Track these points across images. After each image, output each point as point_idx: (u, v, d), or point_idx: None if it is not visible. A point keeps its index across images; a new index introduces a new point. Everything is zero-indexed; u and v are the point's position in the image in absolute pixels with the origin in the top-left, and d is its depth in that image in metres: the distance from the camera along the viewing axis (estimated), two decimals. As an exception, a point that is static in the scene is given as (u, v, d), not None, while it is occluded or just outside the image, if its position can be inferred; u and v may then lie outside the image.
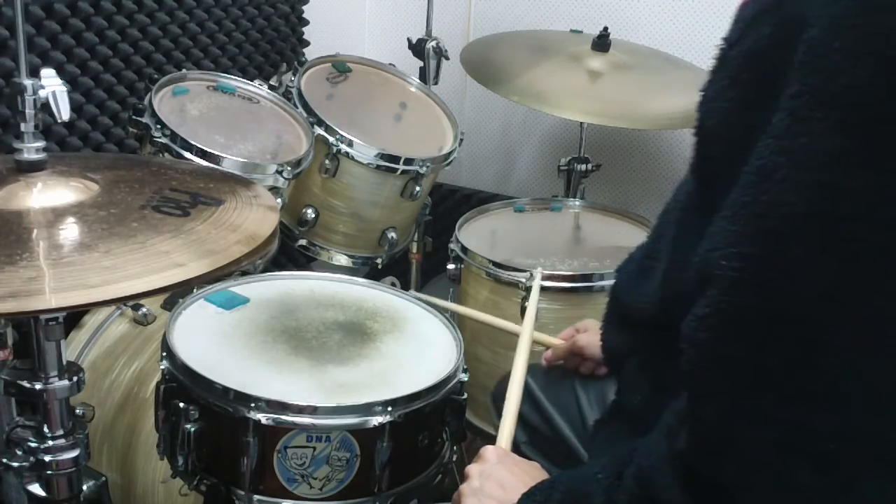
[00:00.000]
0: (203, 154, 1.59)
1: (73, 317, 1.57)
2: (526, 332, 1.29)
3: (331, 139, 1.83)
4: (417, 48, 2.22)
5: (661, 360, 0.86)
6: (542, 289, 1.68)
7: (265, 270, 1.63)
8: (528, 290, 1.67)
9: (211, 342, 1.25)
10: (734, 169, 0.67)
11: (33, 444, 1.08)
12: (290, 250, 2.14)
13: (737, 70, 0.69)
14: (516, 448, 1.15)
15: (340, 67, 2.09)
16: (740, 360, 0.64)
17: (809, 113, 0.60)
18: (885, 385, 0.61)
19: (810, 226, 0.60)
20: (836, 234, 0.59)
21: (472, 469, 0.94)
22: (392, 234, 2.00)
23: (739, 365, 0.64)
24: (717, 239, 0.65)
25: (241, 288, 1.41)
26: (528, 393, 1.33)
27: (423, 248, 2.30)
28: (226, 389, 1.12)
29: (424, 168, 1.89)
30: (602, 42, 2.08)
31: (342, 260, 2.00)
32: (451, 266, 1.86)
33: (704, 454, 0.67)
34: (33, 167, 1.04)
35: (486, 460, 0.94)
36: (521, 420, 1.32)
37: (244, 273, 1.49)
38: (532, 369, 1.40)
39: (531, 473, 0.91)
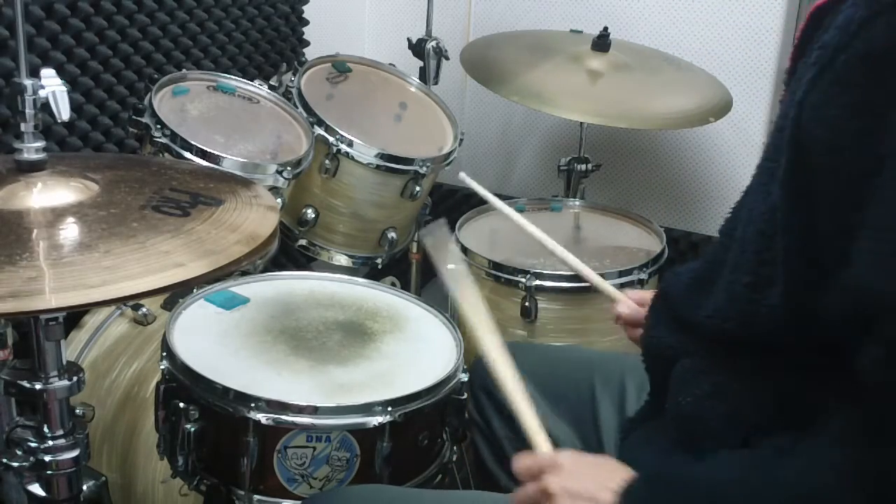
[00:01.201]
0: (203, 154, 1.59)
1: (73, 317, 1.57)
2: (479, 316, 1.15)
3: (331, 139, 1.83)
4: (417, 48, 2.22)
5: (721, 365, 0.84)
6: (543, 289, 1.68)
7: (265, 270, 1.63)
8: (529, 289, 1.67)
9: (211, 342, 1.25)
10: (844, 179, 0.66)
11: (33, 444, 1.08)
12: (290, 250, 2.14)
13: (848, 75, 0.67)
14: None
15: (340, 67, 2.09)
16: None
17: None
18: None
19: None
20: None
21: (553, 483, 0.84)
22: (392, 234, 2.00)
23: None
24: (878, 263, 0.63)
25: (241, 288, 1.41)
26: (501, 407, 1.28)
27: (424, 248, 2.30)
28: (226, 389, 1.12)
29: (424, 168, 1.89)
30: (602, 42, 2.08)
31: (342, 260, 2.00)
32: (451, 266, 1.85)
33: None
34: (33, 167, 1.04)
35: (561, 468, 0.85)
36: (499, 409, 1.28)
37: (244, 273, 1.49)
38: (515, 351, 1.36)
39: (615, 472, 0.85)
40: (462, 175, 1.56)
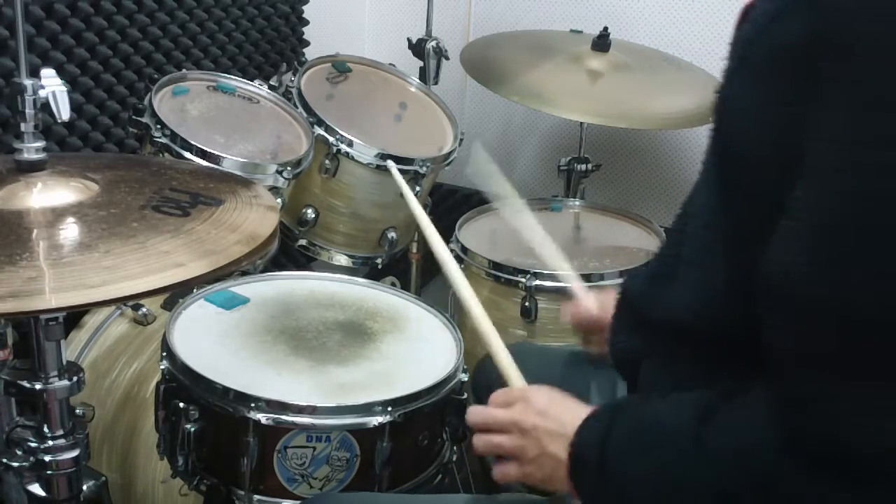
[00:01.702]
0: (203, 154, 1.59)
1: (73, 317, 1.57)
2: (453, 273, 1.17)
3: (331, 139, 1.83)
4: (417, 48, 2.22)
5: (682, 361, 0.85)
6: (543, 289, 1.68)
7: (265, 270, 1.63)
8: (529, 289, 1.67)
9: (211, 342, 1.25)
10: (765, 165, 0.67)
11: (33, 444, 1.08)
12: (290, 250, 2.14)
13: (763, 67, 0.69)
14: None
15: (340, 67, 2.09)
16: (852, 357, 0.63)
17: (859, 101, 0.60)
18: None
19: (891, 213, 0.60)
20: None
21: (528, 419, 0.87)
22: (392, 234, 2.00)
23: (849, 362, 0.64)
24: (789, 241, 0.65)
25: (241, 288, 1.41)
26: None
27: (423, 248, 2.30)
28: (226, 389, 1.12)
29: (424, 168, 1.89)
30: (602, 42, 2.08)
31: (342, 260, 2.00)
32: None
33: (827, 465, 0.66)
34: (33, 167, 1.04)
35: (538, 410, 0.88)
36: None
37: (244, 273, 1.49)
38: (516, 352, 1.37)
39: (584, 406, 0.88)
40: (477, 145, 1.54)
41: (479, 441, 0.92)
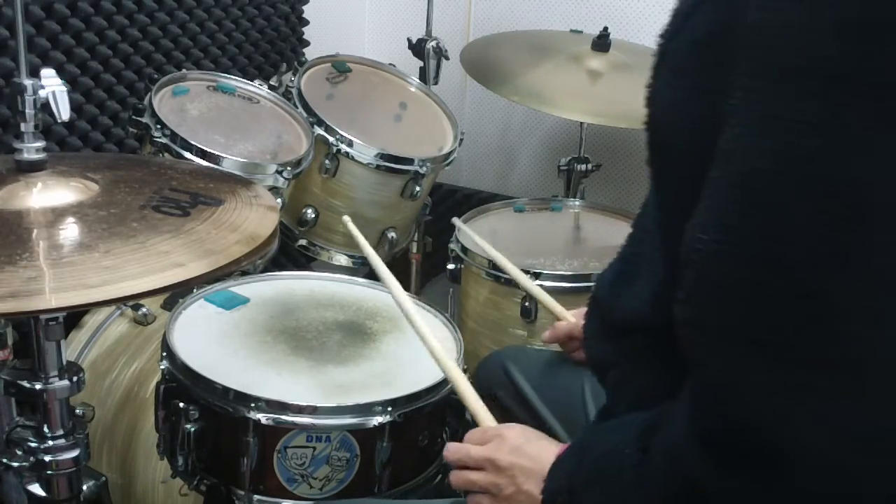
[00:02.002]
0: (203, 154, 1.59)
1: (73, 317, 1.57)
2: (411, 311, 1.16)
3: (331, 139, 1.83)
4: (417, 48, 2.22)
5: (644, 370, 0.86)
6: (542, 289, 1.68)
7: (265, 270, 1.63)
8: (528, 289, 1.67)
9: (211, 342, 1.25)
10: (689, 156, 0.69)
11: (33, 444, 1.08)
12: (290, 250, 2.14)
13: (681, 60, 0.72)
14: None
15: (340, 67, 2.09)
16: (739, 328, 0.64)
17: (759, 84, 0.62)
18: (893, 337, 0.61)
19: (784, 188, 0.61)
20: (814, 193, 0.60)
21: (503, 458, 0.88)
22: (392, 234, 2.00)
23: (739, 333, 0.64)
24: (696, 220, 0.66)
25: (241, 288, 1.41)
26: (510, 382, 1.32)
27: (423, 248, 2.30)
28: (226, 389, 1.12)
29: (424, 168, 1.89)
30: (602, 42, 2.08)
31: (342, 260, 2.00)
32: (451, 266, 1.86)
33: (721, 426, 0.67)
34: (33, 167, 1.04)
35: (513, 447, 0.89)
36: (502, 409, 1.30)
37: (244, 273, 1.49)
38: (516, 356, 1.38)
39: (556, 445, 0.89)
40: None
41: (455, 477, 0.94)
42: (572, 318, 1.38)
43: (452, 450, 0.94)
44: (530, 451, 0.88)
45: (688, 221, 0.68)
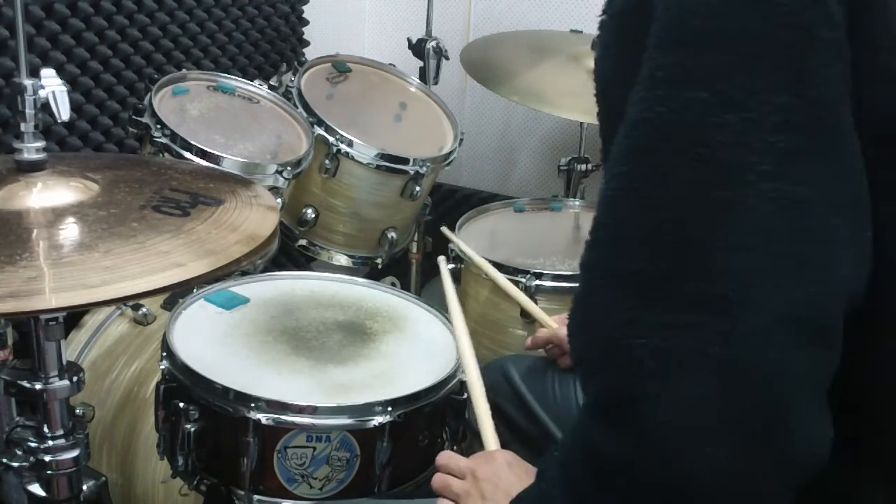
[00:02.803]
0: (203, 154, 1.59)
1: (73, 317, 1.57)
2: (459, 327, 1.22)
3: (331, 139, 1.83)
4: (417, 48, 2.22)
5: None
6: (543, 289, 1.68)
7: (265, 270, 1.63)
8: (528, 290, 1.67)
9: (211, 342, 1.25)
10: (613, 121, 0.72)
11: (33, 444, 1.08)
12: (290, 250, 2.14)
13: (609, 33, 0.76)
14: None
15: (340, 67, 2.09)
16: (624, 271, 0.67)
17: (653, 41, 0.66)
18: (769, 285, 0.62)
19: (664, 135, 0.65)
20: (690, 139, 0.64)
21: (483, 471, 0.93)
22: (392, 234, 2.00)
23: (624, 277, 0.67)
24: (604, 171, 0.71)
25: (241, 288, 1.41)
26: (511, 390, 1.32)
27: (423, 248, 2.30)
28: (226, 389, 1.12)
29: (424, 168, 1.89)
30: (602, 42, 2.08)
31: (342, 260, 2.00)
32: (451, 266, 1.86)
33: (601, 371, 0.68)
34: (33, 167, 1.04)
35: (496, 463, 0.94)
36: (504, 417, 1.31)
37: (244, 273, 1.49)
38: (516, 363, 1.39)
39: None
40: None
41: (436, 478, 0.98)
42: (554, 324, 1.40)
43: (445, 456, 0.99)
44: (508, 476, 0.91)
45: None
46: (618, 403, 0.67)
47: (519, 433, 1.30)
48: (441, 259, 1.35)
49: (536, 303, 1.69)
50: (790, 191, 0.62)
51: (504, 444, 1.30)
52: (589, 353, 0.70)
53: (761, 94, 0.62)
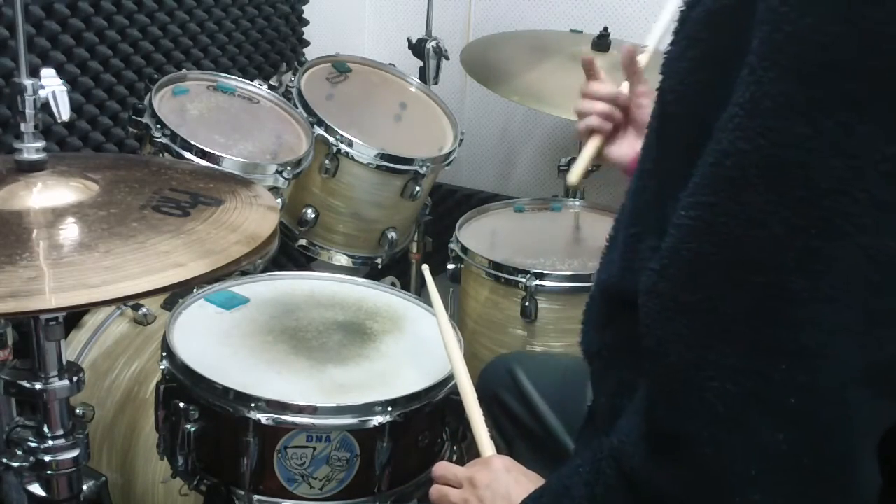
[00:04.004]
0: (203, 154, 1.59)
1: (73, 317, 1.57)
2: (448, 336, 1.18)
3: (331, 139, 1.83)
4: (417, 48, 2.22)
5: (624, 364, 0.86)
6: (543, 289, 1.68)
7: (265, 270, 1.63)
8: (529, 289, 1.67)
9: (211, 342, 1.25)
10: (690, 127, 0.68)
11: (33, 444, 1.08)
12: (290, 250, 2.14)
13: (696, 30, 0.70)
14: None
15: (340, 67, 2.09)
16: (701, 308, 0.64)
17: (759, 63, 0.61)
18: (851, 340, 0.60)
19: (761, 172, 0.61)
20: (789, 180, 0.60)
21: (480, 478, 0.91)
22: (392, 234, 2.00)
23: (698, 313, 0.64)
24: (685, 193, 0.66)
25: (241, 288, 1.41)
26: (516, 386, 1.32)
27: (423, 248, 2.30)
28: (226, 389, 1.12)
29: (424, 168, 1.89)
30: (602, 42, 2.08)
31: (342, 260, 2.00)
32: (451, 266, 1.86)
33: (666, 406, 0.66)
34: (33, 167, 1.04)
35: (493, 469, 0.92)
36: (509, 414, 1.30)
37: (244, 273, 1.49)
38: (521, 360, 1.38)
39: (537, 484, 0.90)
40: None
41: (433, 490, 0.96)
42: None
43: (440, 467, 0.97)
44: (507, 480, 0.90)
45: (680, 192, 0.68)
46: (677, 439, 0.65)
47: (523, 430, 1.29)
48: (425, 268, 1.33)
49: (537, 302, 1.69)
50: (886, 245, 0.59)
51: (508, 441, 1.30)
52: (657, 385, 0.68)
53: (871, 141, 0.58)
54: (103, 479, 1.24)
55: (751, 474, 0.62)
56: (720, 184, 0.63)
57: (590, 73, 1.24)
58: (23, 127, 1.03)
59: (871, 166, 0.58)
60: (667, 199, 0.74)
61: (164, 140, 1.59)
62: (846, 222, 0.59)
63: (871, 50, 0.58)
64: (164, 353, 1.21)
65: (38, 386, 1.06)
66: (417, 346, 1.31)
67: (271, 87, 1.90)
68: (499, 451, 1.01)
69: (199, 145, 1.59)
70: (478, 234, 1.93)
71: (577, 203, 2.13)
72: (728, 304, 0.63)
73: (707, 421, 0.63)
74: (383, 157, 1.86)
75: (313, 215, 1.92)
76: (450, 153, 2.00)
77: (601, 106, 1.33)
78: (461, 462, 1.35)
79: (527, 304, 1.68)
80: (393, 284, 1.56)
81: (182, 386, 1.16)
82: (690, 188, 0.65)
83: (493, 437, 1.18)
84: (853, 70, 0.58)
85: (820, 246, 0.60)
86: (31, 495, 1.09)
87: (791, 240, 0.60)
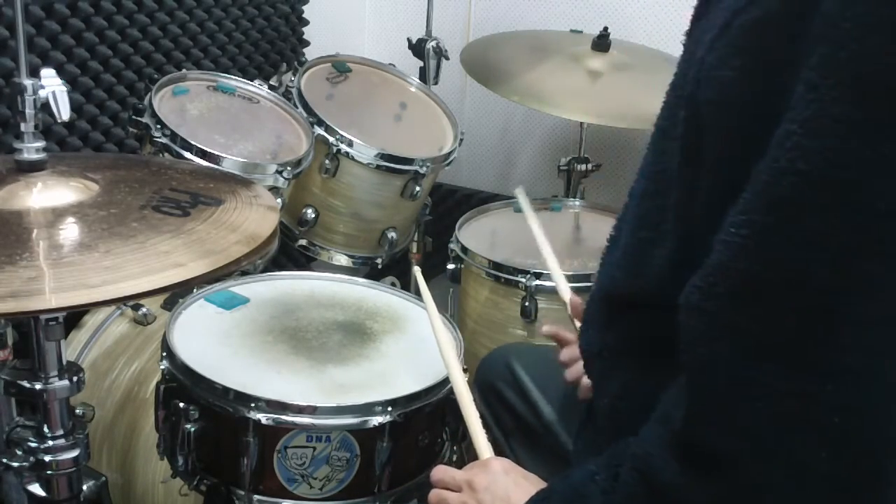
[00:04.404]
0: (203, 154, 1.59)
1: (73, 317, 1.57)
2: (441, 336, 1.17)
3: (331, 139, 1.83)
4: (417, 48, 2.22)
5: (626, 366, 0.86)
6: (543, 289, 1.68)
7: (265, 270, 1.63)
8: (529, 289, 1.67)
9: (211, 342, 1.25)
10: (730, 140, 0.67)
11: (33, 444, 1.08)
12: (290, 250, 2.14)
13: (742, 39, 0.68)
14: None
15: (340, 67, 2.09)
16: (747, 328, 0.63)
17: (820, 81, 0.60)
18: (894, 360, 0.60)
19: (818, 193, 0.60)
20: (846, 202, 0.59)
21: (479, 481, 0.91)
22: (392, 234, 2.00)
23: (746, 333, 0.63)
24: (735, 209, 0.65)
25: (241, 288, 1.41)
26: (512, 378, 1.32)
27: (423, 248, 2.30)
28: (226, 389, 1.12)
29: (424, 168, 1.89)
30: (602, 42, 2.08)
31: (342, 260, 2.00)
32: (451, 266, 1.86)
33: (706, 424, 0.66)
34: (33, 167, 1.04)
35: (492, 471, 0.92)
36: (507, 406, 1.30)
37: (244, 273, 1.49)
38: (519, 352, 1.38)
39: (538, 486, 0.90)
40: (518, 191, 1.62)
41: (432, 495, 0.96)
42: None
43: (439, 471, 0.97)
44: (506, 482, 0.90)
45: (715, 204, 0.67)
46: (716, 457, 0.65)
47: (520, 422, 1.29)
48: (416, 270, 1.33)
49: (537, 302, 1.69)
50: None
51: (506, 434, 1.30)
52: (698, 403, 0.67)
53: None
54: (103, 479, 1.24)
55: (790, 491, 0.63)
56: (776, 203, 0.62)
57: (560, 341, 1.25)
58: (23, 127, 1.03)
59: None
60: (692, 208, 0.74)
61: (164, 140, 1.59)
62: None
63: None
64: (164, 353, 1.21)
65: (38, 386, 1.06)
66: (417, 346, 1.31)
67: (271, 87, 1.90)
68: (496, 444, 1.01)
69: (199, 145, 1.59)
70: (478, 234, 1.93)
71: (577, 203, 2.14)
72: (777, 324, 0.62)
73: (750, 440, 0.63)
74: (383, 157, 1.86)
75: (313, 215, 1.92)
76: (450, 153, 2.00)
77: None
78: (461, 462, 1.35)
79: (527, 304, 1.68)
80: (393, 284, 1.56)
81: (182, 386, 1.16)
82: (741, 205, 0.64)
83: (490, 430, 1.17)
84: None
85: (873, 269, 0.60)
86: (31, 495, 1.09)
87: (845, 262, 0.60)
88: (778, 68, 0.63)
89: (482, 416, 1.05)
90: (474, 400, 1.05)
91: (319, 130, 1.84)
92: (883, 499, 0.63)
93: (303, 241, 1.98)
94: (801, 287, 0.61)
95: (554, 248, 1.87)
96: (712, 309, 0.66)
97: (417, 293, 1.33)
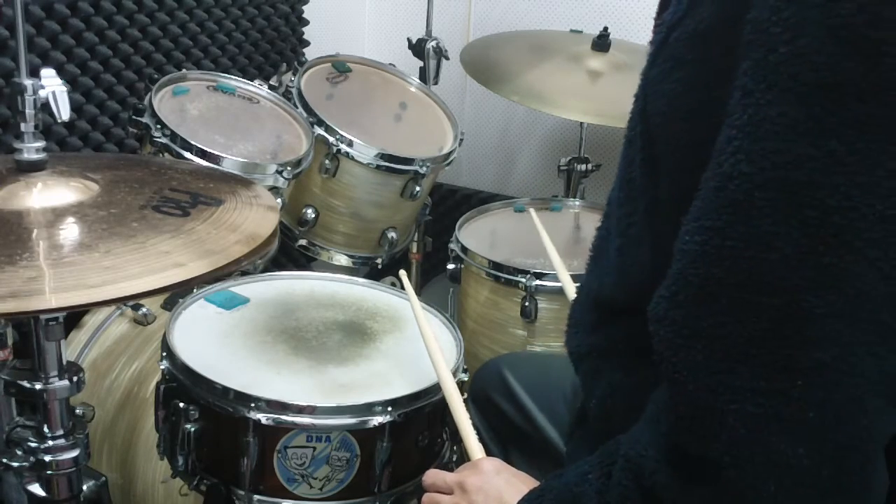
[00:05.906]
0: (203, 154, 1.59)
1: (73, 317, 1.57)
2: (430, 341, 1.19)
3: (331, 139, 1.83)
4: (417, 48, 2.22)
5: (615, 365, 0.86)
6: (543, 289, 1.68)
7: (265, 270, 1.63)
8: (529, 289, 1.67)
9: (211, 342, 1.25)
10: (683, 148, 0.68)
11: (33, 444, 1.08)
12: (290, 250, 2.14)
13: (680, 52, 0.70)
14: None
15: (340, 67, 2.09)
16: (715, 333, 0.64)
17: (754, 85, 0.61)
18: (865, 353, 0.61)
19: (765, 193, 0.61)
20: (795, 200, 0.60)
21: (471, 482, 0.91)
22: (392, 234, 2.00)
23: (713, 338, 0.64)
24: (687, 217, 0.66)
25: (241, 288, 1.41)
26: (506, 388, 1.32)
27: (423, 248, 2.30)
28: (226, 389, 1.12)
29: (424, 168, 1.89)
30: (602, 42, 2.08)
31: (342, 260, 2.00)
32: (451, 266, 1.86)
33: (688, 432, 0.66)
34: (33, 167, 1.04)
35: (483, 472, 0.92)
36: (502, 416, 1.30)
37: (244, 273, 1.49)
38: (511, 362, 1.38)
39: (530, 485, 0.90)
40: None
41: (425, 498, 0.96)
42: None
43: (431, 475, 0.98)
44: (498, 482, 0.90)
45: (677, 212, 0.68)
46: (702, 461, 0.65)
47: (515, 432, 1.29)
48: (402, 274, 1.33)
49: (537, 302, 1.69)
50: (895, 259, 0.60)
51: (504, 442, 1.30)
52: (677, 411, 0.67)
53: (874, 157, 0.59)
54: (103, 479, 1.24)
55: (771, 490, 0.63)
56: (725, 207, 0.63)
57: None
58: (23, 127, 1.03)
59: (876, 182, 0.59)
60: (657, 217, 0.75)
61: (164, 140, 1.59)
62: (856, 238, 0.59)
63: (869, 68, 0.58)
64: (164, 353, 1.21)
65: (38, 386, 1.06)
66: (417, 346, 1.30)
67: (271, 87, 1.90)
68: (491, 455, 1.01)
69: (199, 145, 1.59)
70: (478, 234, 1.93)
71: (577, 203, 2.14)
72: (742, 326, 0.63)
73: (729, 443, 0.63)
74: (383, 157, 1.86)
75: (313, 215, 1.92)
76: (450, 153, 2.00)
77: None
78: (461, 462, 1.35)
79: (527, 304, 1.68)
80: (393, 284, 1.56)
81: (182, 386, 1.16)
82: (693, 213, 0.65)
83: (487, 442, 1.18)
84: (852, 88, 0.58)
85: (831, 263, 0.60)
86: (31, 495, 1.09)
87: (802, 259, 0.60)
88: (717, 78, 0.65)
89: (477, 430, 1.05)
90: (469, 414, 1.06)
91: (319, 130, 1.84)
92: (866, 489, 0.63)
93: (303, 241, 1.98)
94: (760, 287, 0.62)
95: (554, 247, 1.88)
96: (678, 318, 0.66)
97: (418, 293, 1.33)
